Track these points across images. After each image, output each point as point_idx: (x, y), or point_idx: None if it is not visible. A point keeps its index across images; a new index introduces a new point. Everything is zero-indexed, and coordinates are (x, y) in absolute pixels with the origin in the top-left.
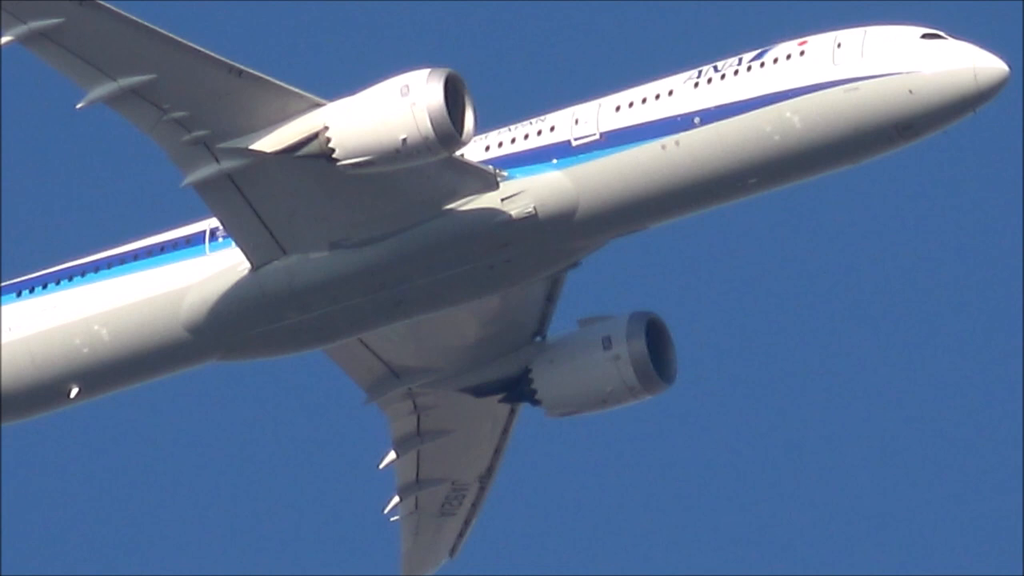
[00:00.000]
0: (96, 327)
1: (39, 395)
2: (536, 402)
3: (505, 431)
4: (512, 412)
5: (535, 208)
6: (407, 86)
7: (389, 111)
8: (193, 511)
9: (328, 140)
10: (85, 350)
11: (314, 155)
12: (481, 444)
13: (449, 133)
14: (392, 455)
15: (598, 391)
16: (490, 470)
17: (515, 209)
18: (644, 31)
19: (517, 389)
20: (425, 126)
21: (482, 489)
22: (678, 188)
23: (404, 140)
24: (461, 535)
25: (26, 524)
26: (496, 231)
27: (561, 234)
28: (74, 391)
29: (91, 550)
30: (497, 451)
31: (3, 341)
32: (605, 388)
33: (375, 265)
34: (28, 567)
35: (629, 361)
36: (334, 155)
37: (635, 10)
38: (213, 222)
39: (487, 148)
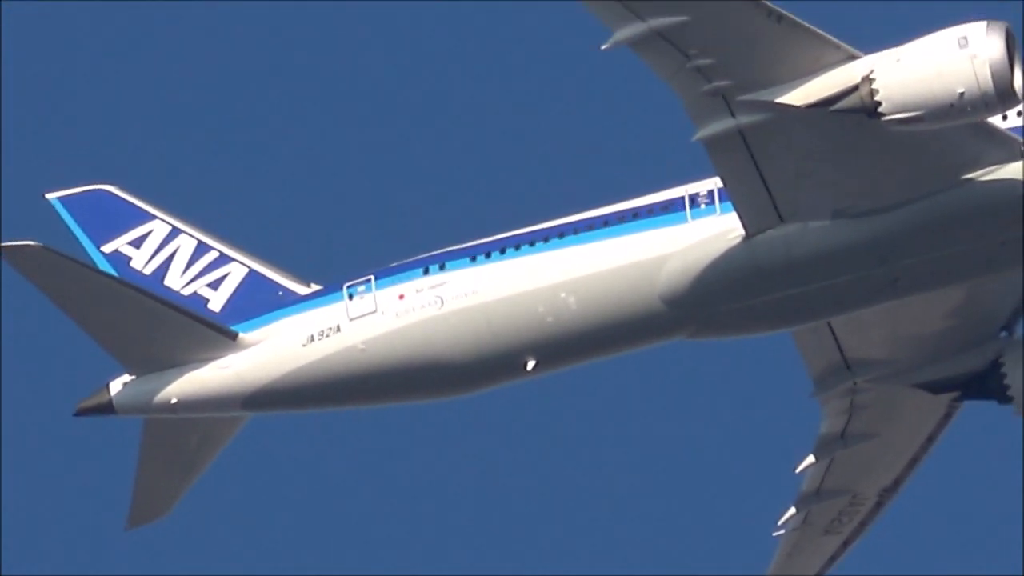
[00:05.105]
0: (563, 295)
1: (493, 365)
2: (1007, 399)
3: (931, 438)
4: (946, 417)
5: None
6: (965, 38)
7: (945, 63)
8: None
9: (873, 93)
10: (549, 319)
11: (854, 109)
12: (900, 451)
13: (1008, 89)
14: (811, 459)
15: None
16: (896, 483)
17: None
18: None
19: (981, 385)
20: (985, 80)
21: (878, 505)
22: None
23: (961, 94)
24: (833, 559)
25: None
26: (1019, 205)
27: None
28: (531, 363)
29: None
30: (913, 461)
31: (459, 307)
32: None
33: (880, 237)
34: None
35: None
36: (879, 108)
37: None
38: (689, 188)
39: (1004, 117)
